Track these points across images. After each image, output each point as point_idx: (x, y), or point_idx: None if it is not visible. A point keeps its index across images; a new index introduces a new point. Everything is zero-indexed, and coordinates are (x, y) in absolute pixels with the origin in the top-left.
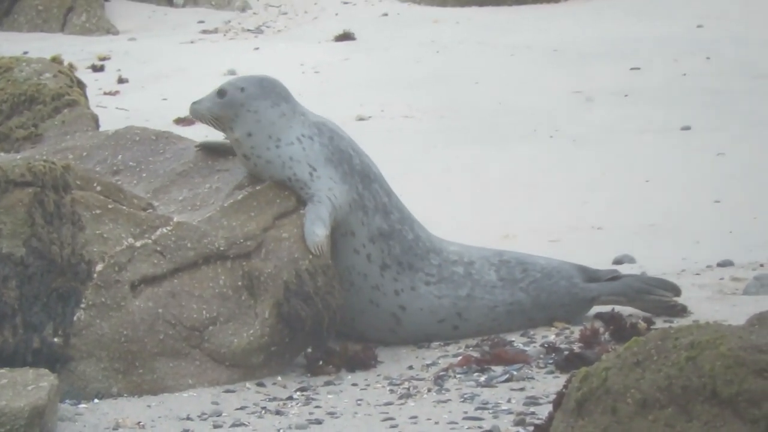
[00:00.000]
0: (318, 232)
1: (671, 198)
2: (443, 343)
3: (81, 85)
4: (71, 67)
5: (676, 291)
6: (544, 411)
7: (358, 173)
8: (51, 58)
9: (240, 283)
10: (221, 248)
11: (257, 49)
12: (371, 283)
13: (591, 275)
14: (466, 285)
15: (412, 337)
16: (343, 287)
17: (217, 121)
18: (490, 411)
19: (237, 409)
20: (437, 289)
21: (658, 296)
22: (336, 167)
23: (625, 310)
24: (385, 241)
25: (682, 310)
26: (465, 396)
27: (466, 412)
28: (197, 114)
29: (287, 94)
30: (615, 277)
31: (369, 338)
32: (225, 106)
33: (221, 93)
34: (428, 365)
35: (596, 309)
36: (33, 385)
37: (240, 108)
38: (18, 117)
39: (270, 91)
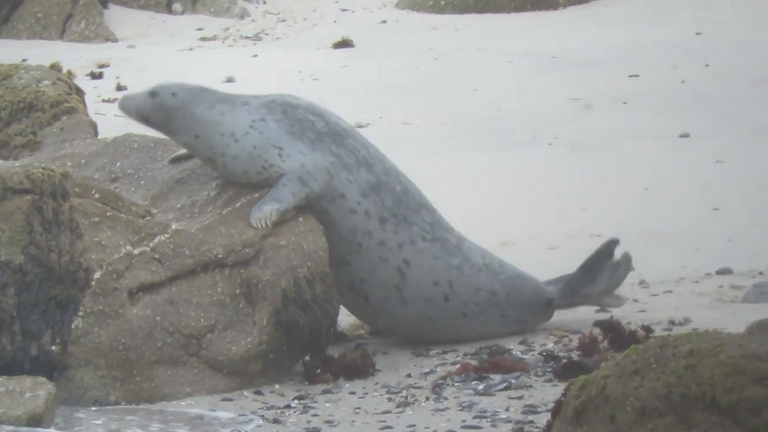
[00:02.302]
0: (264, 208)
1: (670, 205)
2: (441, 350)
3: (80, 92)
4: (70, 74)
5: (615, 242)
6: (542, 419)
7: (327, 134)
8: (50, 66)
9: (238, 291)
10: (219, 256)
11: (256, 56)
12: (377, 240)
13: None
14: (457, 256)
15: (413, 298)
16: (351, 251)
17: (146, 121)
18: (489, 419)
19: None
20: (432, 247)
21: (606, 274)
22: (300, 138)
23: (624, 317)
24: (376, 193)
25: (627, 260)
26: (463, 404)
27: (464, 421)
28: (126, 109)
29: (222, 95)
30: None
31: (374, 302)
32: (156, 108)
33: (153, 94)
34: (426, 373)
35: (595, 317)
36: (31, 393)
37: (175, 113)
38: (17, 124)
39: (201, 96)
